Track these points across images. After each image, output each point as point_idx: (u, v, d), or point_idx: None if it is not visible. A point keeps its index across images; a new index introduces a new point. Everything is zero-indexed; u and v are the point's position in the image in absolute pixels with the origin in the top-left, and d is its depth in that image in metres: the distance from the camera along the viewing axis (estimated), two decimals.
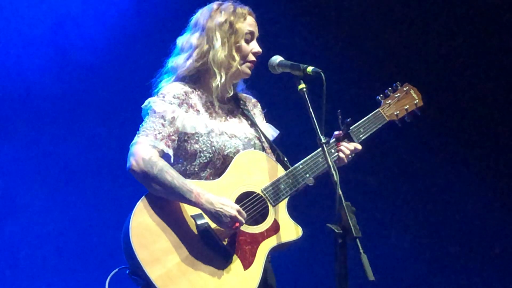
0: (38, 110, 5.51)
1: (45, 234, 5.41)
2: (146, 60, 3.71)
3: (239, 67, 3.61)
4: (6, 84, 5.47)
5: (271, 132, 3.82)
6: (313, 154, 3.63)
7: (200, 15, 3.69)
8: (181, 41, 3.68)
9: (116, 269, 3.41)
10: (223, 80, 3.60)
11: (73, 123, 5.54)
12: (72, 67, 5.57)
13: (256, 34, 3.69)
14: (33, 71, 5.51)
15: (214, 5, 3.69)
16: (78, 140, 5.53)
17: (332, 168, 3.18)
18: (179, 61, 3.64)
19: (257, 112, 3.84)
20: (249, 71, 3.67)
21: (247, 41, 3.65)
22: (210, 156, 3.54)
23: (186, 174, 3.53)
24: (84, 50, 5.61)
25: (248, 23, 3.66)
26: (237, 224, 3.40)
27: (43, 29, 5.54)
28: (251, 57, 3.65)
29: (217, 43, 3.59)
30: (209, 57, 3.58)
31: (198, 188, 3.42)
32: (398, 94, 3.97)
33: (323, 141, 3.30)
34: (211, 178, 3.54)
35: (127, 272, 3.39)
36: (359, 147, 3.72)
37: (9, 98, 5.48)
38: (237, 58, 3.61)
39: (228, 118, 3.68)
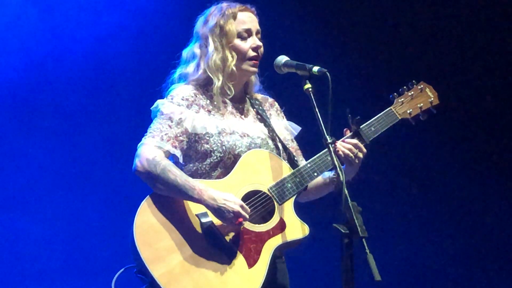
0: (55, 109, 5.57)
1: (55, 231, 5.45)
2: (168, 61, 3.77)
3: (233, 67, 3.60)
4: (26, 82, 5.53)
5: (290, 130, 3.81)
6: (321, 153, 3.59)
7: (198, 24, 3.72)
8: (185, 53, 3.72)
9: (123, 269, 3.43)
10: (220, 83, 3.61)
11: (89, 122, 5.61)
12: (93, 67, 5.63)
13: (254, 28, 3.66)
14: (53, 70, 5.58)
15: (210, 9, 3.71)
16: (93, 139, 5.58)
17: (338, 167, 3.17)
18: (190, 70, 3.67)
19: (273, 112, 3.82)
20: (252, 69, 3.65)
21: (244, 39, 3.63)
22: (221, 155, 3.54)
23: (198, 174, 3.54)
24: (108, 49, 5.67)
25: (241, 21, 3.64)
26: (240, 220, 3.39)
27: (65, 28, 5.60)
28: (251, 53, 3.63)
29: (210, 48, 3.61)
30: (205, 63, 3.62)
31: (201, 184, 3.43)
32: (412, 92, 3.90)
33: (329, 141, 3.27)
34: (222, 177, 3.53)
35: (134, 271, 3.40)
36: (360, 144, 3.58)
37: (28, 95, 5.55)
38: (231, 58, 3.60)
39: (242, 117, 3.69)
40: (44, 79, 5.56)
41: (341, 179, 3.12)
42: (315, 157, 3.59)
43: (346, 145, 3.56)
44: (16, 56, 5.53)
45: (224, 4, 3.68)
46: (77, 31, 5.61)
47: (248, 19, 3.66)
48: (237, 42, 3.63)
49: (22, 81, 5.53)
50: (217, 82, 3.60)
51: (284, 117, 3.85)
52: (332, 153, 3.24)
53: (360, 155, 3.58)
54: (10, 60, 5.51)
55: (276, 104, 3.86)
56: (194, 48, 3.68)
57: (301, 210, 3.56)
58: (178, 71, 3.71)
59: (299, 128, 3.83)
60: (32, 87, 5.55)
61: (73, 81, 5.60)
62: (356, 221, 3.05)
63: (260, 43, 3.65)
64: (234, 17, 3.63)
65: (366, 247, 3.00)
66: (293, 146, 3.78)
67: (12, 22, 5.52)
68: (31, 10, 5.56)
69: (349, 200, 3.07)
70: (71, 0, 5.62)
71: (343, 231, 3.05)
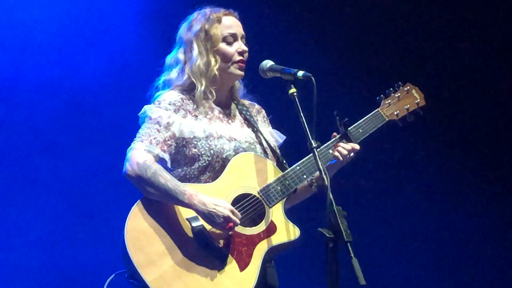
0: (44, 112, 5.61)
1: (44, 237, 5.48)
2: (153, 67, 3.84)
3: (216, 71, 3.63)
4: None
5: (276, 137, 3.84)
6: (310, 156, 3.62)
7: (181, 30, 3.75)
8: (169, 59, 3.75)
9: (113, 274, 3.48)
10: (202, 88, 3.63)
11: (79, 126, 5.64)
12: (82, 69, 5.68)
13: (240, 33, 3.70)
14: (42, 74, 5.64)
15: (194, 15, 3.74)
16: (84, 143, 5.61)
17: (322, 172, 3.22)
18: (174, 75, 3.70)
19: (260, 118, 3.86)
20: (239, 72, 3.69)
21: (229, 43, 3.67)
22: (209, 159, 3.58)
23: (186, 178, 3.57)
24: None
25: (225, 25, 3.68)
26: (231, 225, 3.42)
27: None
28: (237, 57, 3.67)
29: (195, 53, 3.64)
30: (189, 69, 3.65)
31: (191, 189, 3.46)
32: (399, 94, 3.95)
33: (314, 145, 3.32)
34: (210, 181, 3.57)
35: (125, 276, 3.44)
36: (357, 147, 3.70)
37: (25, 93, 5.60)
38: (214, 62, 3.63)
39: (229, 122, 3.72)
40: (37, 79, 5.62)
41: (326, 183, 3.17)
42: (304, 159, 3.63)
43: (343, 150, 3.64)
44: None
45: (208, 9, 3.71)
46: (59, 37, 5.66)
47: (233, 23, 3.69)
48: (223, 46, 3.66)
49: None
50: (200, 87, 3.63)
51: (270, 124, 3.89)
52: (317, 157, 3.29)
53: (351, 155, 3.66)
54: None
55: (263, 111, 3.90)
56: (178, 53, 3.71)
57: (287, 214, 3.59)
58: (162, 78, 3.74)
59: (284, 137, 3.86)
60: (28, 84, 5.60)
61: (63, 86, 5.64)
62: (341, 225, 3.10)
63: (246, 48, 3.69)
64: (219, 21, 3.67)
65: (351, 251, 3.06)
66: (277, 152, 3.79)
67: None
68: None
69: (334, 204, 3.12)
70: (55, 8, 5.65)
71: (328, 235, 3.10)
